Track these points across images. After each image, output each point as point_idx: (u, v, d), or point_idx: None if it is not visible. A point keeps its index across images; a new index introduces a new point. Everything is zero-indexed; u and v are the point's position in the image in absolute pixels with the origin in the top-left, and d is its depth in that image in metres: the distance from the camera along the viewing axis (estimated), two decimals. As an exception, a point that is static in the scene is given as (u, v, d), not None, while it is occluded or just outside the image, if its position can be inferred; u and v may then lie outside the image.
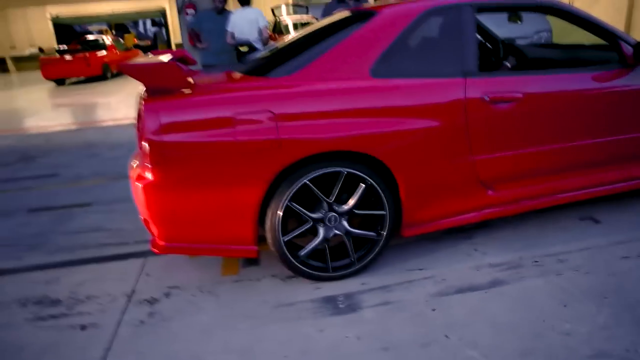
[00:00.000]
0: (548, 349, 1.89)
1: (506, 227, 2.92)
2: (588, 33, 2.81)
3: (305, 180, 2.24)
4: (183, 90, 2.21)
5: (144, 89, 2.42)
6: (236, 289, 2.48)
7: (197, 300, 2.40)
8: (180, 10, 7.10)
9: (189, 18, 6.97)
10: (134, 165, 2.51)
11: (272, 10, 15.89)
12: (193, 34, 5.86)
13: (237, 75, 2.66)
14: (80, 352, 2.08)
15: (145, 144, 2.13)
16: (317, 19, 14.44)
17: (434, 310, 2.19)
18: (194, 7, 7.00)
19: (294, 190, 2.25)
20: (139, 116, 2.33)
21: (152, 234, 2.37)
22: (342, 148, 2.25)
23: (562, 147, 2.65)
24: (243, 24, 5.37)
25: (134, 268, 2.77)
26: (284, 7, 16.90)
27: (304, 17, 14.47)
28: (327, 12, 5.31)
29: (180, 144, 2.14)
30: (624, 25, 10.92)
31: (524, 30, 5.78)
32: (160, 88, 2.18)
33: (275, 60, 2.72)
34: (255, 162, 2.17)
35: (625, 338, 1.92)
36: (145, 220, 2.38)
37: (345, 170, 2.27)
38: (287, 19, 14.40)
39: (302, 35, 2.97)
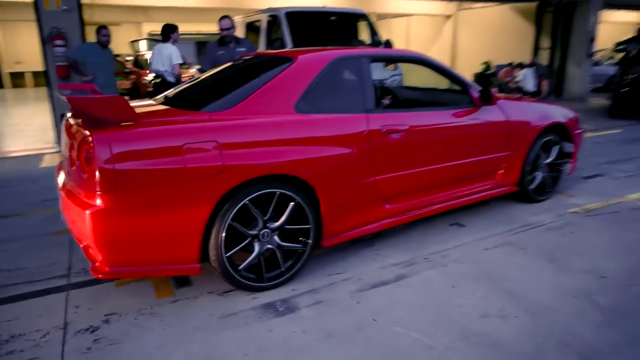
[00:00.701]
0: (449, 317, 2.47)
1: (397, 235, 3.55)
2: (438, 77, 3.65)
3: (245, 201, 2.55)
4: (127, 122, 2.38)
5: (71, 117, 2.51)
6: (177, 308, 2.63)
7: (142, 322, 2.49)
8: (47, 41, 6.71)
9: (60, 50, 6.65)
10: (63, 194, 2.55)
11: (131, 45, 15.46)
12: (73, 65, 5.72)
13: (166, 107, 2.87)
14: (29, 384, 2.05)
15: (96, 172, 2.24)
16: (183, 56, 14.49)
17: (358, 302, 2.65)
18: (63, 38, 6.69)
19: (235, 211, 2.54)
20: (77, 145, 2.40)
21: (94, 260, 2.42)
22: (276, 172, 2.62)
23: (436, 167, 3.38)
24: (159, 57, 5.83)
25: (57, 302, 2.71)
26: (143, 42, 16.56)
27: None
28: (209, 54, 5.58)
29: (131, 171, 2.30)
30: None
31: (382, 74, 6.85)
32: (109, 120, 2.31)
33: (206, 95, 3.00)
34: (202, 186, 2.42)
35: (498, 303, 2.60)
36: (85, 246, 2.42)
37: (278, 190, 2.64)
38: (147, 54, 14.15)
39: (222, 73, 3.29)
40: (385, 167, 3.09)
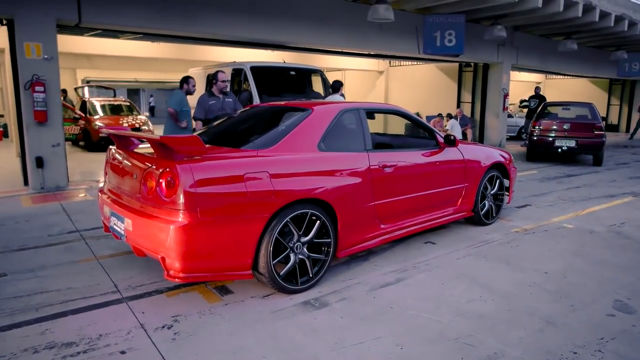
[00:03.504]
0: (446, 303, 3.28)
1: (385, 251, 4.36)
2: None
3: (287, 219, 3.26)
4: (198, 155, 3.03)
5: (119, 152, 3.12)
6: (231, 309, 3.21)
7: (206, 320, 3.05)
8: (27, 87, 7.00)
9: (40, 96, 6.95)
10: (127, 213, 3.11)
11: (76, 90, 15.53)
12: (174, 115, 6.22)
13: (213, 145, 3.54)
14: (137, 365, 2.55)
15: (180, 195, 2.86)
16: (129, 101, 14.80)
17: (374, 297, 3.39)
18: (43, 84, 7.01)
19: (280, 227, 3.23)
20: (156, 174, 3.00)
21: (170, 268, 2.98)
22: (308, 196, 3.36)
23: (415, 195, 4.28)
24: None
25: (123, 311, 3.19)
26: (86, 89, 16.63)
27: (116, 100, 14.62)
28: (202, 104, 6.24)
29: (206, 194, 2.94)
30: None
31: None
32: (185, 154, 2.96)
33: (243, 136, 3.70)
34: (258, 206, 3.11)
35: (478, 292, 3.47)
36: (162, 257, 2.98)
37: (310, 211, 3.38)
38: (94, 100, 14.31)
39: (243, 119, 4.05)
40: (381, 194, 3.93)
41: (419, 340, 2.79)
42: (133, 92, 34.56)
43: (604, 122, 13.03)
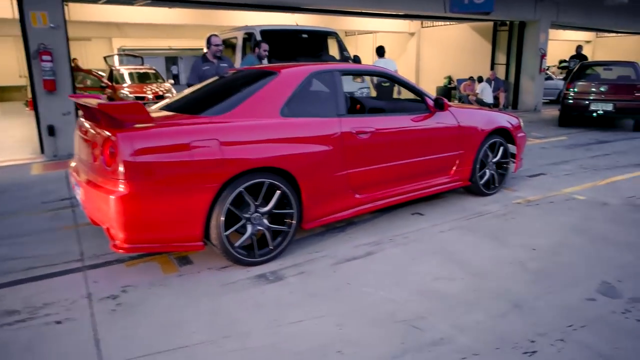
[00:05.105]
0: (409, 280, 3.06)
1: (367, 222, 4.14)
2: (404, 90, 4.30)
3: (240, 189, 3.09)
4: (143, 123, 2.89)
5: (85, 122, 3.00)
6: (183, 281, 3.12)
7: (155, 291, 2.98)
8: (34, 57, 7.08)
9: (47, 65, 7.02)
10: (85, 185, 3.03)
11: (105, 60, 15.76)
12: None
13: (172, 113, 3.39)
14: (68, 338, 2.49)
15: (120, 164, 2.74)
16: (154, 69, 14.90)
17: (335, 272, 3.20)
18: (50, 54, 7.07)
19: (233, 197, 3.07)
20: (100, 143, 2.89)
21: (115, 238, 2.90)
22: (265, 165, 3.16)
23: (397, 163, 3.99)
24: None
25: (78, 279, 3.17)
26: (116, 57, 16.87)
27: (142, 68, 14.75)
28: (195, 70, 6.07)
29: (149, 163, 2.80)
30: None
31: (352, 87, 7.56)
32: (129, 122, 2.82)
33: (204, 103, 3.53)
34: (207, 176, 2.95)
35: (449, 269, 3.21)
36: (107, 228, 2.90)
37: (267, 180, 3.19)
38: (122, 69, 14.50)
39: (215, 84, 3.84)
40: (355, 163, 3.67)
41: (364, 321, 2.60)
42: (170, 61, 34.97)
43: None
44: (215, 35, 6.01)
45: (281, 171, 3.25)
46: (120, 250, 2.89)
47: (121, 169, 2.75)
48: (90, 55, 19.49)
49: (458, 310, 2.70)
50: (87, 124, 3.31)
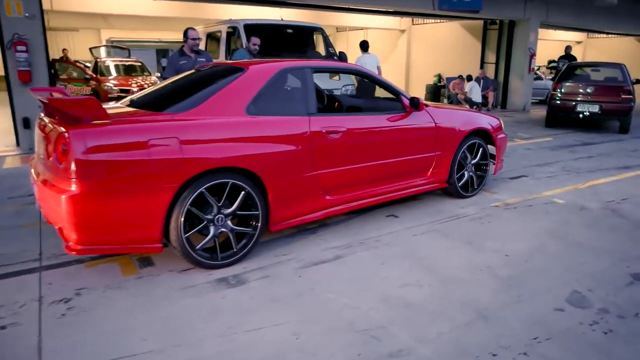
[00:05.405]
0: (375, 286, 2.95)
1: (339, 224, 4.03)
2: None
3: (201, 189, 2.96)
4: (100, 120, 2.75)
5: (45, 117, 2.86)
6: (142, 283, 3.00)
7: (110, 295, 2.85)
8: (8, 47, 6.88)
9: (22, 55, 6.83)
10: (39, 184, 2.89)
11: (91, 51, 15.50)
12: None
13: (133, 109, 3.25)
14: (11, 344, 2.37)
15: (72, 162, 2.60)
16: (141, 62, 14.67)
17: (300, 277, 3.10)
18: (25, 44, 6.88)
19: (193, 198, 2.95)
20: (53, 140, 2.76)
21: (67, 239, 2.77)
22: (228, 165, 3.04)
23: (370, 164, 3.88)
24: None
25: (32, 281, 3.03)
26: (103, 49, 16.60)
27: (128, 60, 14.52)
28: (172, 63, 5.92)
29: (102, 162, 2.67)
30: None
31: (336, 84, 7.44)
32: (82, 118, 2.69)
33: (168, 99, 3.39)
34: (165, 175, 2.82)
35: (417, 276, 3.11)
36: (60, 228, 2.77)
37: (230, 181, 3.07)
38: (108, 61, 14.26)
39: (182, 80, 3.70)
40: (325, 163, 3.56)
41: (322, 329, 2.49)
42: (161, 54, 34.67)
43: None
44: (192, 29, 5.85)
45: (246, 171, 3.14)
46: (73, 252, 2.76)
47: (73, 167, 2.62)
48: (78, 46, 19.16)
49: (421, 320, 2.60)
50: (45, 119, 3.17)
